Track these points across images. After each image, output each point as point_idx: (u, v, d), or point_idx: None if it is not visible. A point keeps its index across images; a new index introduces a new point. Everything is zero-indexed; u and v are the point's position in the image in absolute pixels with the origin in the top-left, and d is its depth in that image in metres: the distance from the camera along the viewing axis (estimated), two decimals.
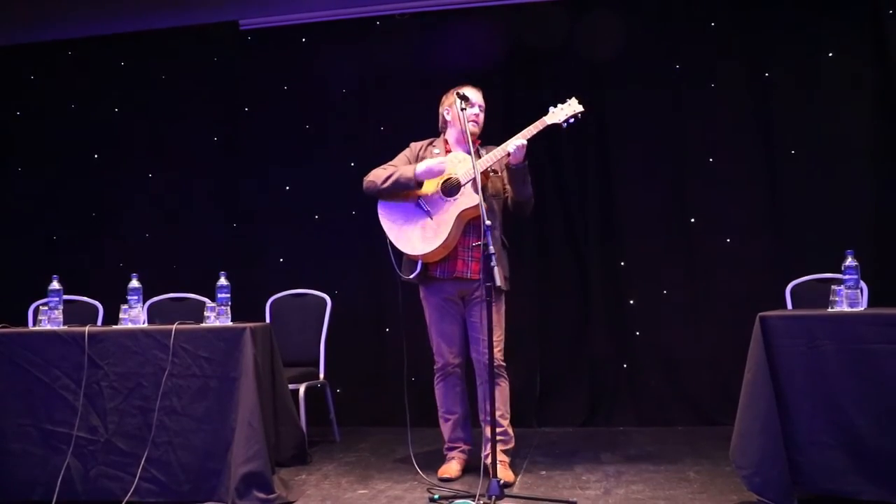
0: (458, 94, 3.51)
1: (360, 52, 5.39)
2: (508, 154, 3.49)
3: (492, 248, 3.10)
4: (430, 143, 3.77)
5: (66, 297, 3.80)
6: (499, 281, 3.07)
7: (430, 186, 3.59)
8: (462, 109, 3.44)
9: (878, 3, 4.76)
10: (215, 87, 5.61)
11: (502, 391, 3.62)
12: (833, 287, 3.17)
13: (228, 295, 3.62)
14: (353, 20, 5.38)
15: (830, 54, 4.84)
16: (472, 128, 3.55)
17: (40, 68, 5.83)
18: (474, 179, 3.35)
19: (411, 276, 3.65)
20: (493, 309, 3.55)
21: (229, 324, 3.54)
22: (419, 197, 3.60)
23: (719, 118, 4.98)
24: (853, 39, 4.82)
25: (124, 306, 3.64)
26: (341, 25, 5.41)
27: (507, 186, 3.67)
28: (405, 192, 3.60)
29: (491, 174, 3.62)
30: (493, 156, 3.51)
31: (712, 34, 5.01)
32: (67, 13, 5.27)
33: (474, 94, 3.66)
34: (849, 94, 4.80)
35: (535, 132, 3.50)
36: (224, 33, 5.54)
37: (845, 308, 3.12)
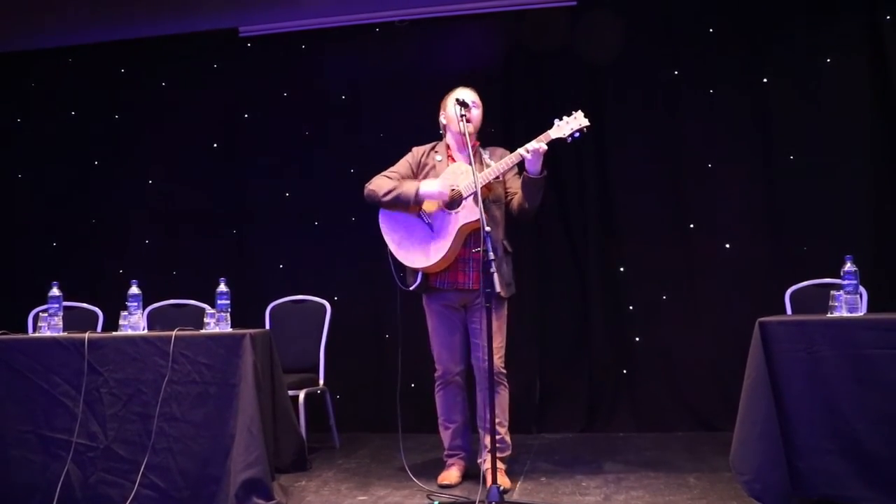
0: (456, 100, 3.49)
1: (360, 59, 5.40)
2: (515, 165, 3.46)
3: (491, 255, 3.09)
4: (433, 149, 3.74)
5: (65, 303, 3.81)
6: (498, 288, 3.06)
7: (436, 186, 3.55)
8: (461, 116, 3.42)
9: (876, 9, 4.77)
10: (215, 93, 5.62)
11: (501, 398, 3.60)
12: (832, 292, 3.17)
13: (228, 301, 3.63)
14: (352, 27, 5.39)
15: (829, 59, 4.86)
16: (468, 128, 3.48)
17: (40, 75, 5.84)
18: (478, 192, 3.37)
19: (412, 288, 3.63)
20: (494, 315, 3.55)
21: (229, 330, 3.55)
22: (421, 208, 3.59)
23: (718, 123, 4.99)
24: (851, 45, 4.83)
25: (124, 312, 3.64)
26: (340, 32, 5.42)
27: (509, 190, 3.65)
28: (405, 207, 3.59)
29: (493, 181, 3.58)
30: (494, 170, 3.46)
31: (711, 40, 5.02)
32: (67, 20, 5.28)
33: (468, 92, 3.61)
34: (847, 99, 4.80)
35: (538, 147, 3.39)
36: (223, 40, 5.56)
37: (845, 313, 3.12)
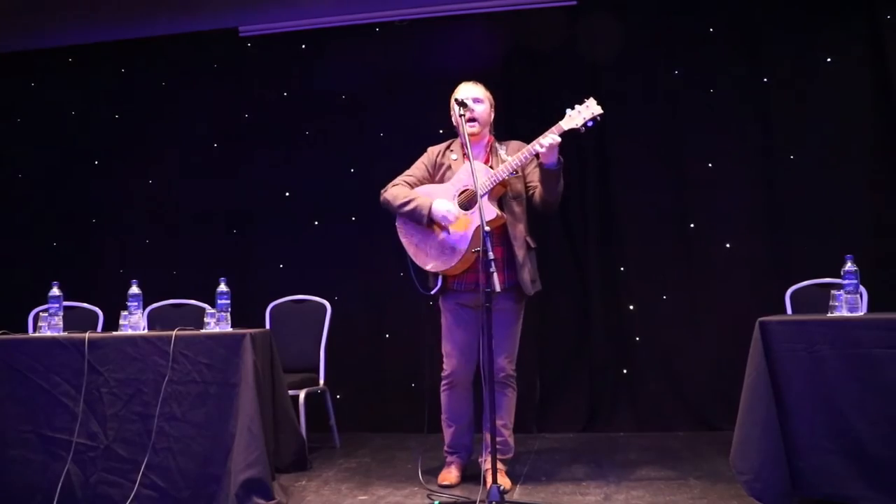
0: (455, 100, 3.48)
1: (360, 59, 5.40)
2: (534, 157, 3.43)
3: (491, 255, 3.07)
4: (448, 147, 3.69)
5: (66, 303, 3.81)
6: (497, 287, 3.05)
7: (443, 209, 3.49)
8: (461, 116, 3.39)
9: (876, 8, 4.77)
10: (215, 93, 5.62)
11: (508, 401, 3.59)
12: (833, 292, 3.17)
13: (228, 301, 3.63)
14: (352, 27, 5.39)
15: (829, 59, 4.85)
16: (469, 129, 3.46)
17: (41, 75, 5.84)
18: (491, 189, 3.38)
19: (433, 291, 3.60)
20: (514, 318, 3.57)
21: (229, 330, 3.55)
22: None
23: (718, 123, 4.99)
24: (851, 44, 4.83)
25: (124, 312, 3.64)
26: (341, 32, 5.41)
27: (530, 184, 3.60)
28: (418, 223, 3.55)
29: (510, 177, 3.51)
30: (507, 167, 3.41)
31: (711, 40, 5.02)
32: (68, 20, 5.29)
33: (468, 88, 3.58)
34: (847, 98, 4.80)
35: (551, 141, 3.34)
36: (224, 40, 5.56)
37: (845, 313, 3.12)
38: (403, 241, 3.62)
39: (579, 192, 5.11)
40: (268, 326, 4.70)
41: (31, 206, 5.77)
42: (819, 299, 3.69)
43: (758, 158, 4.95)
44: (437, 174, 3.65)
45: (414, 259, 3.58)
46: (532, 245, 3.61)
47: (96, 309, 4.74)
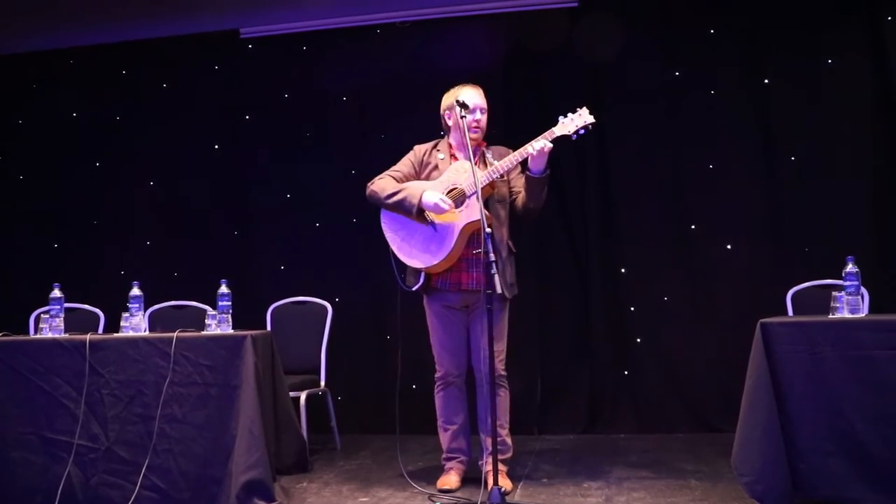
0: (457, 101, 3.47)
1: (361, 60, 5.41)
2: (520, 164, 3.44)
3: (492, 256, 3.07)
4: (435, 147, 3.70)
5: (67, 305, 3.82)
6: (499, 289, 3.04)
7: (435, 197, 3.50)
8: (462, 118, 3.39)
9: (876, 9, 4.77)
10: (216, 94, 5.62)
11: (502, 401, 3.59)
12: (834, 293, 3.17)
13: (229, 302, 3.63)
14: (353, 28, 5.39)
15: (830, 61, 4.85)
16: (472, 135, 3.49)
17: (42, 77, 5.85)
18: (478, 192, 3.36)
19: (414, 288, 3.60)
20: (497, 318, 3.52)
21: (230, 331, 3.55)
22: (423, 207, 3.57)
23: (719, 125, 4.98)
24: (852, 45, 4.83)
25: (125, 314, 3.65)
26: (342, 33, 5.42)
27: (513, 189, 3.61)
28: (407, 214, 3.53)
29: (497, 180, 3.54)
30: (498, 168, 3.43)
31: (712, 41, 5.02)
32: (69, 22, 5.29)
33: (474, 96, 3.57)
34: (848, 100, 4.80)
35: (543, 145, 3.37)
36: (225, 42, 5.56)
37: (846, 314, 3.12)
38: (387, 235, 3.60)
39: (579, 192, 5.11)
40: (269, 328, 4.71)
41: (32, 208, 5.77)
42: (820, 300, 3.69)
43: (758, 160, 4.94)
44: (422, 172, 3.65)
45: (397, 253, 3.57)
46: (513, 249, 3.62)
47: (97, 310, 4.75)
